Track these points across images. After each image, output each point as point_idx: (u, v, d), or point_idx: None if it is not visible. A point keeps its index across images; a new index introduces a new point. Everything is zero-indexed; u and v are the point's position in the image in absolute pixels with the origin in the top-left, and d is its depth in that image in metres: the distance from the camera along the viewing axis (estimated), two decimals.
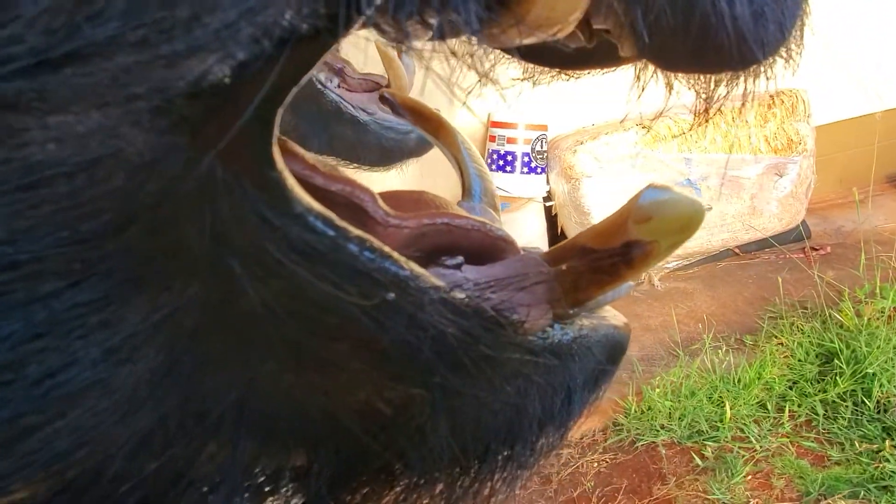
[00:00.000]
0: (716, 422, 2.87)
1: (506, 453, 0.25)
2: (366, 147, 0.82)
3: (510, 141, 3.66)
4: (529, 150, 3.67)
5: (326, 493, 0.21)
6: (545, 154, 3.74)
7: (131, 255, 0.17)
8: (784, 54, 0.25)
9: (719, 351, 3.18)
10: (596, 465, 2.88)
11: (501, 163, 3.69)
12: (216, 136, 0.17)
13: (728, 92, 0.30)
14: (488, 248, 0.27)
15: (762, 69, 0.25)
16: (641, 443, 2.88)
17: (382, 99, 0.81)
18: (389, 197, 0.32)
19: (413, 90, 0.83)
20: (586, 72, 0.36)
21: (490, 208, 0.38)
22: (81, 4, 0.15)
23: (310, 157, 0.24)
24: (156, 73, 0.16)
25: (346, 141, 0.81)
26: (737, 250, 4.16)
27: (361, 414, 0.22)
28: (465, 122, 3.20)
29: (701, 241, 3.81)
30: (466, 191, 0.38)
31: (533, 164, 3.70)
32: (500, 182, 3.68)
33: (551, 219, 3.97)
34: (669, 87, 0.31)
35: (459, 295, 0.21)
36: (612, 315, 0.32)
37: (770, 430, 2.83)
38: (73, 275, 0.15)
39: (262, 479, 0.21)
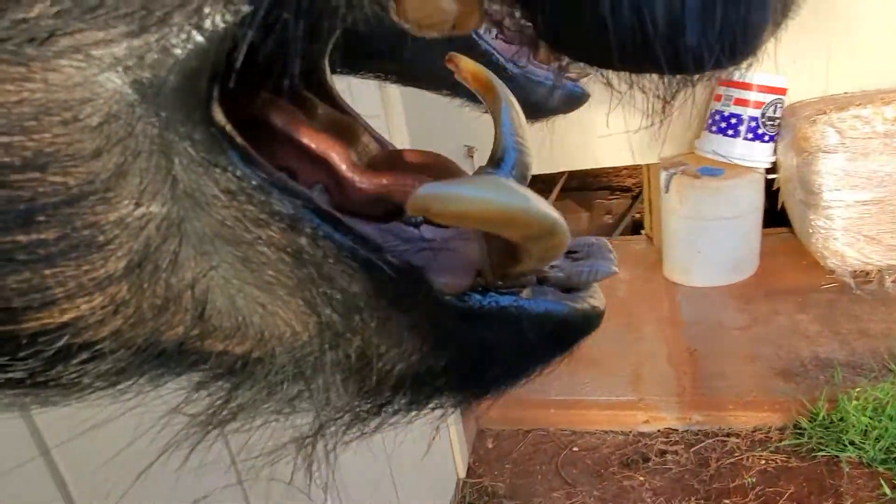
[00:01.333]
0: None
1: (403, 402, 0.28)
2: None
3: (738, 102, 3.34)
4: (759, 115, 3.32)
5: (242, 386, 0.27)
6: (777, 121, 3.36)
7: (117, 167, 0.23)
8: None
9: None
10: (763, 462, 2.68)
11: (723, 125, 3.39)
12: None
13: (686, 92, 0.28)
14: None
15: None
16: (822, 453, 2.61)
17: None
18: (394, 155, 0.35)
19: None
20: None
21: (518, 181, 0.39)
22: None
23: (294, 121, 0.28)
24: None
25: None
26: None
27: (289, 329, 0.26)
28: None
29: None
30: (494, 159, 0.39)
31: (760, 131, 3.35)
32: (719, 146, 3.40)
33: (771, 193, 3.59)
34: None
35: (369, 248, 0.24)
36: (586, 294, 0.32)
37: None
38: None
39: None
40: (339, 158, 0.28)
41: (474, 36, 0.79)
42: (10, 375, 0.25)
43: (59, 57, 0.22)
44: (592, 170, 4.60)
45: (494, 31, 0.84)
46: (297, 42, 0.23)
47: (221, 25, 0.22)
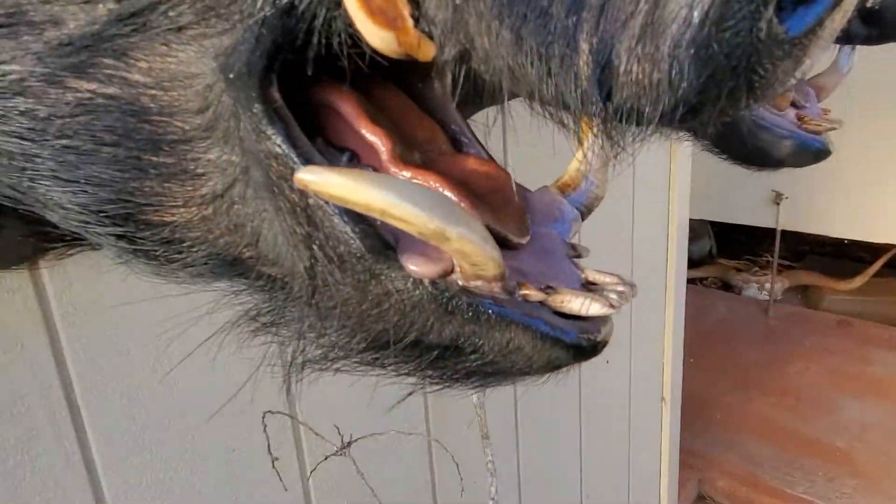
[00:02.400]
0: None
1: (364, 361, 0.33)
2: (732, 140, 0.79)
3: None
4: None
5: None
6: None
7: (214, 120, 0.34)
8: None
9: None
10: None
11: None
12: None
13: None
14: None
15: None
16: None
17: None
18: (454, 160, 0.40)
19: None
20: None
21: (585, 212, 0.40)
22: None
23: (353, 108, 0.35)
24: None
25: (717, 129, 0.80)
26: None
27: (298, 270, 0.34)
28: None
29: None
30: (570, 186, 0.41)
31: None
32: None
33: None
34: None
35: (354, 221, 0.30)
36: (590, 326, 0.33)
37: None
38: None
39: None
40: (382, 148, 0.35)
41: None
42: (137, 247, 0.37)
43: (188, 43, 0.33)
44: None
45: None
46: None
47: (270, 27, 0.30)
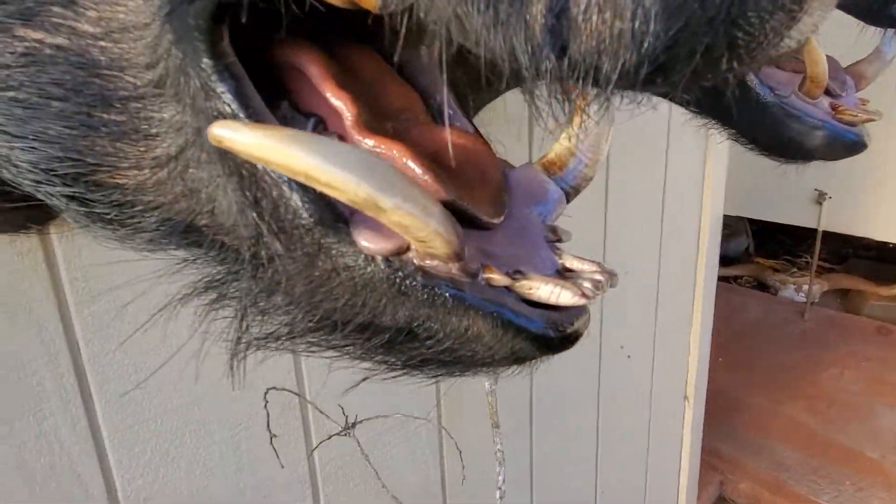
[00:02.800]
0: None
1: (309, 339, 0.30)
2: (760, 129, 0.73)
3: None
4: None
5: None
6: None
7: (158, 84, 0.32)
8: None
9: None
10: None
11: None
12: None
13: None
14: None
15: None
16: None
17: None
18: (429, 130, 0.37)
19: None
20: None
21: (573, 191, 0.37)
22: None
23: (320, 70, 0.33)
24: None
25: (742, 115, 0.75)
26: None
27: (245, 241, 0.32)
28: None
29: None
30: (557, 163, 0.37)
31: None
32: None
33: None
34: None
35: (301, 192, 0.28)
36: (561, 317, 0.30)
37: None
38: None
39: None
40: (347, 113, 0.32)
41: None
42: (89, 210, 0.36)
43: None
44: None
45: None
46: None
47: None
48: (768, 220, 3.84)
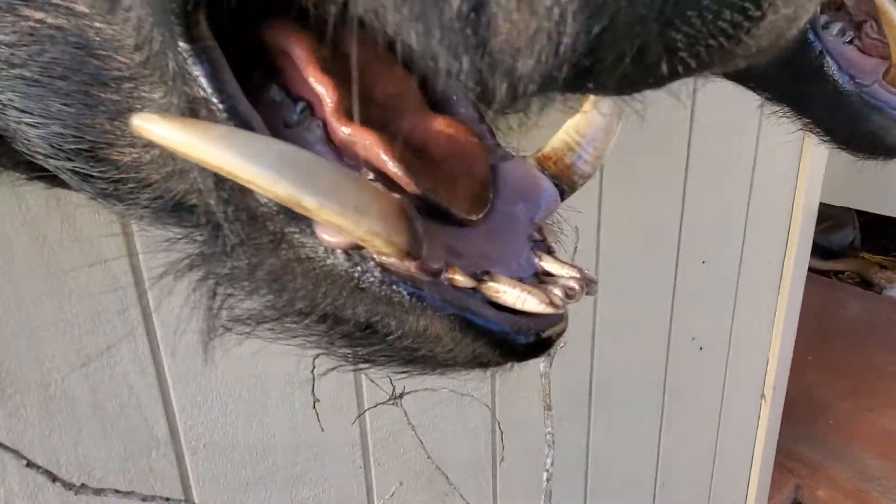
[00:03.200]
0: None
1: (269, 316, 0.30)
2: (837, 120, 0.67)
3: None
4: None
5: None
6: None
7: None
8: None
9: None
10: None
11: None
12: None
13: None
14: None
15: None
16: None
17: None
18: (421, 119, 0.35)
19: None
20: None
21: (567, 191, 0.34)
22: None
23: (305, 53, 0.32)
24: None
25: (818, 104, 0.68)
26: None
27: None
28: None
29: None
30: (553, 158, 0.35)
31: None
32: None
33: None
34: None
35: None
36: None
37: None
38: None
39: None
40: (327, 99, 0.32)
41: (811, 34, 0.66)
42: (90, 184, 0.37)
43: None
44: None
45: (848, 34, 0.68)
46: None
47: None
48: (877, 212, 3.54)
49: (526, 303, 0.28)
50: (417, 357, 0.29)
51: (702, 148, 1.55)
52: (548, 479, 1.34)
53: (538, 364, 1.41)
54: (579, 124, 0.35)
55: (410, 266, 0.27)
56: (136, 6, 0.31)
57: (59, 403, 0.94)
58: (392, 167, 0.29)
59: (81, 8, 0.32)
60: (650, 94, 0.24)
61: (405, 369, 0.31)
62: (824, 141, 0.71)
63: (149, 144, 0.35)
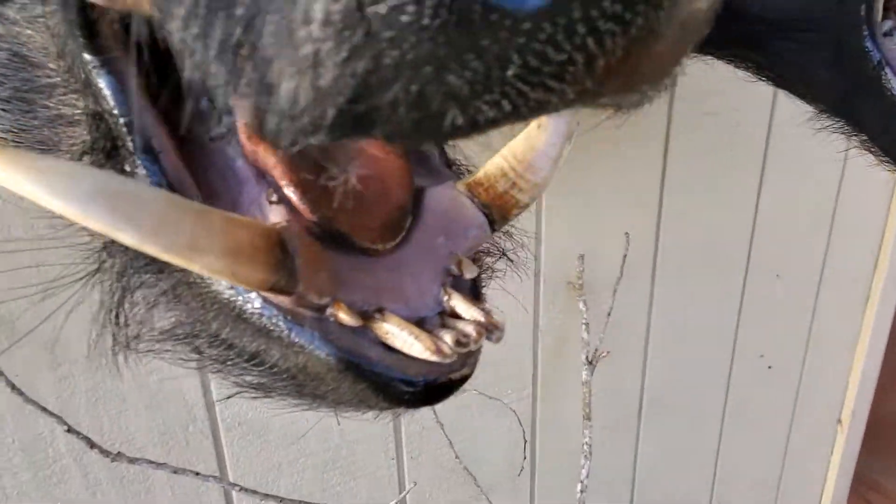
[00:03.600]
0: None
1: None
2: (890, 133, 0.59)
3: None
4: None
5: None
6: None
7: None
8: None
9: None
10: None
11: None
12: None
13: None
14: None
15: None
16: None
17: None
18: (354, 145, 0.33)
19: None
20: None
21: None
22: None
23: None
24: None
25: (874, 121, 0.60)
26: None
27: None
28: None
29: None
30: (484, 185, 0.31)
31: None
32: None
33: None
34: None
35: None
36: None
37: None
38: None
39: None
40: (241, 117, 0.30)
41: (867, 40, 0.59)
42: None
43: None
44: None
45: None
46: None
47: None
48: None
49: (412, 348, 0.26)
50: (308, 393, 0.28)
51: (780, 148, 1.43)
52: (582, 491, 1.30)
53: (581, 372, 1.36)
54: (518, 149, 0.32)
55: (284, 300, 0.26)
56: (49, 16, 0.30)
57: (104, 374, 0.99)
58: (287, 191, 0.28)
59: (14, 16, 0.33)
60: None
61: (299, 403, 0.29)
62: (882, 161, 0.64)
63: (84, 152, 0.35)
